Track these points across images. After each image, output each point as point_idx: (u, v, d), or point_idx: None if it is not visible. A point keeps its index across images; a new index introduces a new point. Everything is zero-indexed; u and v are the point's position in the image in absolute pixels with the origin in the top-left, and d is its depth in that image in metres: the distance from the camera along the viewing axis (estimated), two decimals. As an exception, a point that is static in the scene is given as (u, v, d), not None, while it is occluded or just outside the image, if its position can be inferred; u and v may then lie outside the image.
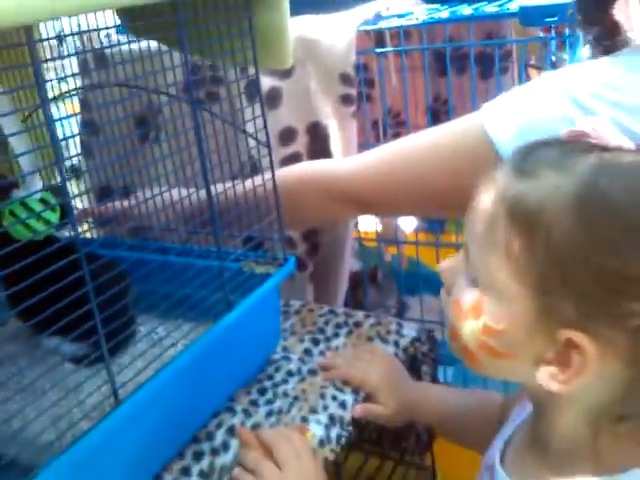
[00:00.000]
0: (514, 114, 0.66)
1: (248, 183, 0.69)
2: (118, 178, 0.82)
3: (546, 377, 0.43)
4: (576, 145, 0.47)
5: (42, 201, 0.56)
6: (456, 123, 0.71)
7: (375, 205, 0.78)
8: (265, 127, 0.65)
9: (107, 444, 0.53)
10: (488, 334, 0.45)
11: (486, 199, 0.48)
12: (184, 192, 0.70)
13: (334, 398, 0.69)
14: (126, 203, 0.78)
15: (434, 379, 0.90)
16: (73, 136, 0.84)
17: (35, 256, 0.49)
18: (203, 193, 0.68)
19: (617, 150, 0.46)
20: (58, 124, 0.54)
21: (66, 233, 0.70)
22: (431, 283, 1.22)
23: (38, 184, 0.55)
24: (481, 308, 0.46)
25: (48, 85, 0.75)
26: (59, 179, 0.44)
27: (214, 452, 0.63)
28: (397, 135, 1.37)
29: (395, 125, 1.43)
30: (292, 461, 0.59)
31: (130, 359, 0.64)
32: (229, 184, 0.68)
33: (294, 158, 0.92)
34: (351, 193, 0.76)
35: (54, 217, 0.57)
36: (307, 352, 0.76)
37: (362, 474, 0.90)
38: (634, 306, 0.40)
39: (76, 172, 0.98)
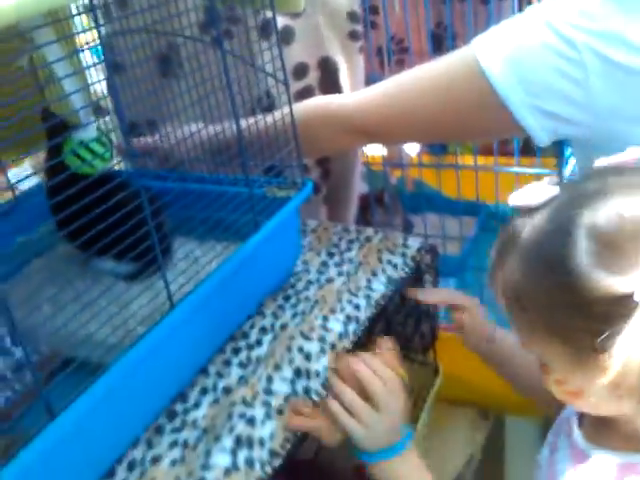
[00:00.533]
0: (502, 45, 0.72)
1: (269, 118, 0.77)
2: (143, 115, 0.91)
3: None
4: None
5: (97, 140, 0.65)
6: (453, 55, 0.78)
7: (381, 135, 0.86)
8: (283, 67, 0.73)
9: (165, 342, 0.64)
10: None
11: None
12: (212, 129, 0.79)
13: (349, 302, 0.80)
14: (157, 138, 0.87)
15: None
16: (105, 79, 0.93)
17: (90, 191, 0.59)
18: (227, 128, 0.78)
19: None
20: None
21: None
22: (434, 202, 1.33)
23: (93, 124, 0.65)
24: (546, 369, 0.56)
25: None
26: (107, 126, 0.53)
27: (249, 347, 0.75)
28: (400, 61, 1.43)
29: (399, 51, 1.48)
30: (388, 404, 0.66)
31: (172, 276, 0.75)
32: (251, 119, 0.77)
33: (307, 91, 1.00)
34: (360, 124, 0.84)
35: (108, 154, 0.66)
36: (324, 264, 0.88)
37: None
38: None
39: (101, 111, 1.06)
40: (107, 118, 0.97)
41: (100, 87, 0.77)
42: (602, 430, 0.62)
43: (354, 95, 0.86)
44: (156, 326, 0.63)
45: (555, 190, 0.55)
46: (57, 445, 0.53)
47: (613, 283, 0.47)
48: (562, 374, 0.55)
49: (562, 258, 0.50)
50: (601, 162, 0.55)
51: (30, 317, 0.56)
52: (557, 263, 0.50)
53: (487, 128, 0.80)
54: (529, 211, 0.55)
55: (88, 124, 0.64)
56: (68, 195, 0.57)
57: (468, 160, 1.22)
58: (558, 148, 0.92)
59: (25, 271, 0.88)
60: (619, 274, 0.47)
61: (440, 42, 1.37)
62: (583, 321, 0.49)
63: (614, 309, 0.47)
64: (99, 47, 0.56)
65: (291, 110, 0.76)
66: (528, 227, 0.53)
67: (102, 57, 0.54)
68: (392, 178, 1.42)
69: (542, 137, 0.75)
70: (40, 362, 0.70)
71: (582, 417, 0.65)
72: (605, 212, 0.49)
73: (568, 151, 0.91)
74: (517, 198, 0.56)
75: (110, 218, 0.61)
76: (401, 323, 1.00)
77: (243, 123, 0.75)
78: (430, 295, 0.90)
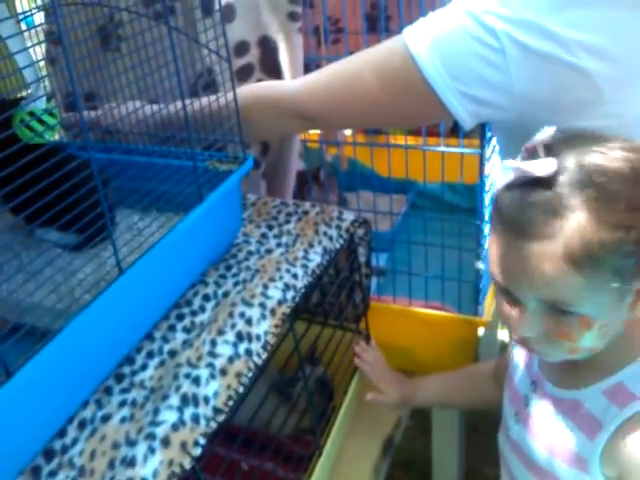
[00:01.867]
0: (430, 33, 0.78)
1: (212, 96, 0.80)
2: (83, 89, 0.92)
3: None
4: None
5: (46, 111, 0.67)
6: (387, 43, 0.83)
7: (323, 121, 0.91)
8: (226, 45, 0.77)
9: (113, 307, 0.67)
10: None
11: None
12: (156, 105, 0.81)
13: (288, 271, 0.85)
14: (100, 113, 0.88)
15: (368, 262, 1.08)
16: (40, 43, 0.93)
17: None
18: (171, 104, 0.80)
19: None
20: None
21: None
22: (366, 180, 1.38)
23: (41, 93, 0.66)
24: (589, 322, 0.62)
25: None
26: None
27: (193, 313, 0.79)
28: (336, 41, 1.47)
29: (335, 31, 1.52)
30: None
31: (117, 247, 0.77)
32: (195, 97, 0.80)
33: (247, 69, 1.03)
34: (299, 110, 0.88)
35: (54, 122, 0.68)
36: (263, 236, 0.92)
37: (306, 339, 1.08)
38: None
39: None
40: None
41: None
42: (571, 371, 0.71)
43: (296, 82, 0.91)
44: (105, 291, 0.65)
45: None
46: (12, 404, 0.55)
47: None
48: (605, 319, 0.63)
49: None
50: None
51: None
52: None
53: (420, 113, 0.86)
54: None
55: (38, 96, 0.65)
56: (15, 167, 0.59)
57: (399, 140, 1.28)
58: (480, 130, 1.00)
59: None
60: None
61: (374, 23, 1.42)
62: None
63: None
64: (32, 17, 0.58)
65: (233, 87, 0.79)
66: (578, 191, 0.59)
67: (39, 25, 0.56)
68: (328, 156, 1.47)
69: (466, 120, 0.81)
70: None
71: (545, 375, 0.75)
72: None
73: (489, 133, 0.99)
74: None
75: (56, 190, 0.63)
76: (335, 294, 1.06)
77: (187, 100, 0.77)
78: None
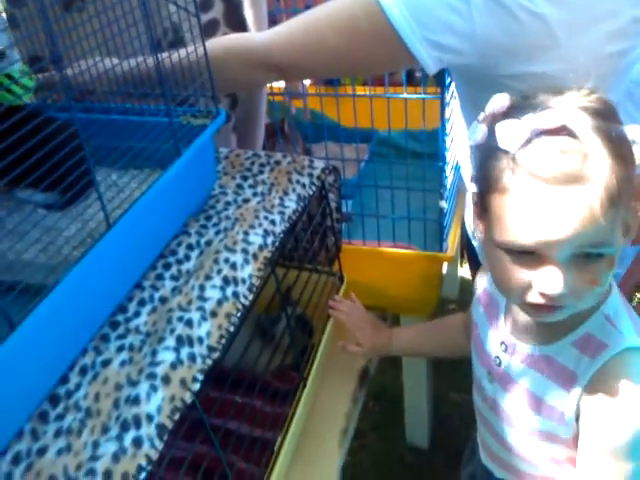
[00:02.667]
0: None
1: (182, 51, 0.82)
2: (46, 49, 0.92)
3: None
4: None
5: (23, 73, 0.68)
6: None
7: (289, 71, 0.93)
8: (194, 0, 0.78)
9: (104, 259, 0.70)
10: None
11: None
12: (127, 63, 0.83)
13: (266, 218, 0.89)
14: (72, 72, 0.89)
15: (339, 208, 1.13)
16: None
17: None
18: (141, 62, 0.82)
19: None
20: None
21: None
22: (330, 131, 1.42)
23: (16, 56, 0.68)
24: (612, 260, 0.65)
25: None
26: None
27: (179, 262, 0.83)
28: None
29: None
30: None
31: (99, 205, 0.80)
32: (165, 54, 0.81)
33: (212, 24, 1.04)
34: (269, 61, 0.91)
35: (31, 84, 0.69)
36: (239, 187, 0.96)
37: (283, 284, 1.13)
38: None
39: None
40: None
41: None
42: (542, 331, 0.75)
43: (265, 34, 0.93)
44: (95, 245, 0.69)
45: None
46: (16, 354, 0.59)
47: None
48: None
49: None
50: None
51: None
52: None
53: (385, 60, 0.89)
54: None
55: (14, 60, 0.67)
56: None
57: (363, 91, 1.32)
58: (440, 76, 1.04)
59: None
60: None
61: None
62: None
63: None
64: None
65: (203, 42, 0.81)
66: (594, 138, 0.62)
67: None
68: (292, 109, 1.50)
69: (430, 66, 0.85)
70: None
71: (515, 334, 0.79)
72: None
73: (448, 79, 1.04)
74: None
75: (37, 152, 0.65)
76: (308, 240, 1.11)
77: (159, 57, 0.79)
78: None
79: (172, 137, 0.80)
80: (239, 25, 1.07)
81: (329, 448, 1.03)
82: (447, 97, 1.06)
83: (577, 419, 0.73)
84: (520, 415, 0.78)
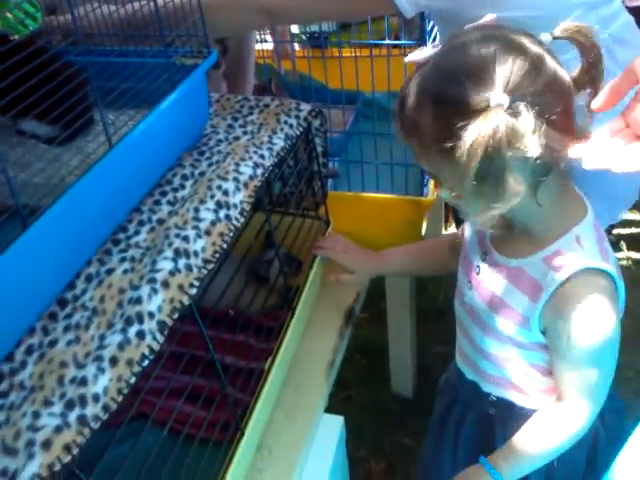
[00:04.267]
0: None
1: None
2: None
3: None
4: None
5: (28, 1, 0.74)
6: None
7: (278, 14, 0.99)
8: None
9: (105, 177, 0.76)
10: None
11: None
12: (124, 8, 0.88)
13: (255, 152, 0.95)
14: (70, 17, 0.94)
15: (325, 152, 1.19)
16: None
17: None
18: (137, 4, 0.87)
19: None
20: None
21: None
22: (320, 94, 1.48)
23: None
24: None
25: None
26: None
27: (174, 190, 0.88)
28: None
29: None
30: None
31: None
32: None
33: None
34: (259, 4, 0.97)
35: (38, 14, 0.75)
36: (230, 126, 1.01)
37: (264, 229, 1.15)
38: None
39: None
40: None
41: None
42: (515, 242, 0.82)
43: None
44: (99, 161, 0.74)
45: (432, 50, 0.73)
46: (27, 251, 0.64)
47: (468, 95, 0.66)
48: (448, 182, 0.75)
49: (441, 89, 0.69)
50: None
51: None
52: (437, 94, 0.70)
53: (366, 5, 0.96)
54: (417, 69, 0.72)
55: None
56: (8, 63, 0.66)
57: (349, 53, 1.38)
58: (420, 26, 1.11)
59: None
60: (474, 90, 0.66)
61: None
62: (448, 128, 0.67)
63: (465, 113, 0.66)
64: None
65: (195, -18, 0.86)
66: (415, 78, 0.73)
67: None
68: (281, 70, 1.55)
69: (407, 9, 0.92)
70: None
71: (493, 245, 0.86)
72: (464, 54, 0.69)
73: (429, 26, 1.10)
74: (410, 57, 0.74)
75: (44, 85, 0.70)
76: (295, 184, 1.17)
77: (151, 5, 0.84)
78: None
79: (167, 72, 0.85)
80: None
81: (316, 378, 1.09)
82: (428, 43, 1.12)
83: (544, 332, 0.81)
84: (491, 318, 0.86)
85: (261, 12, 0.97)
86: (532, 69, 0.66)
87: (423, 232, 1.27)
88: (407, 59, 0.75)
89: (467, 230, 0.95)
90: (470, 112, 0.65)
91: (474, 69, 0.67)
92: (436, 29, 1.15)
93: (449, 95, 0.68)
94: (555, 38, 0.71)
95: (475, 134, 0.64)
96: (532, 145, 0.64)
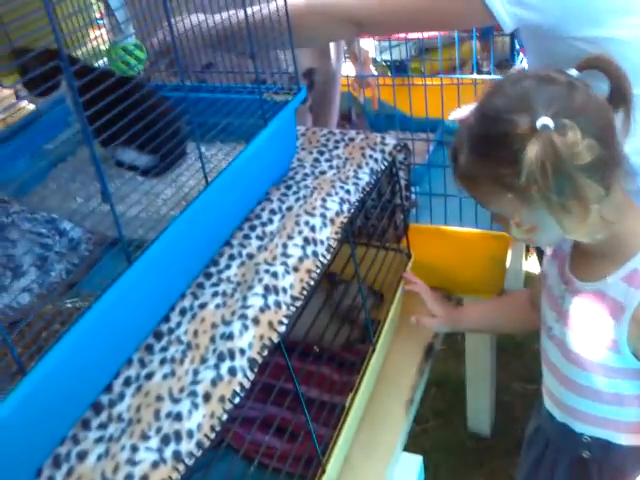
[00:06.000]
0: None
1: (264, 10, 0.87)
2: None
3: None
4: None
5: (136, 46, 0.77)
6: None
7: (369, 25, 1.00)
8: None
9: (201, 215, 0.78)
10: None
11: None
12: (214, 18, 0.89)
13: (342, 187, 0.96)
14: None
15: (408, 185, 1.18)
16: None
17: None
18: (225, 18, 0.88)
19: None
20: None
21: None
22: (403, 123, 1.48)
23: (131, 30, 0.77)
24: None
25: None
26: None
27: (263, 224, 0.89)
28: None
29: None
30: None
31: (190, 173, 0.87)
32: (249, 10, 0.85)
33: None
34: (349, 15, 0.97)
35: (143, 55, 0.78)
36: (316, 160, 1.02)
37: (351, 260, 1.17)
38: None
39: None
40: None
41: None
42: (594, 266, 0.82)
43: None
44: (194, 201, 0.76)
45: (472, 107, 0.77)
46: (134, 287, 0.67)
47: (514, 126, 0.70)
48: (516, 217, 0.75)
49: (485, 131, 0.74)
50: None
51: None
52: (483, 137, 0.74)
53: (462, 16, 0.95)
54: (460, 124, 0.75)
55: (129, 34, 0.76)
56: (113, 99, 0.68)
57: (433, 80, 1.38)
58: (510, 48, 1.09)
59: (52, 173, 1.00)
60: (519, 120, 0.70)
61: None
62: (509, 167, 0.71)
63: (516, 142, 0.70)
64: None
65: (285, 4, 0.86)
66: (465, 129, 0.77)
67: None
68: (360, 98, 1.56)
69: (507, 22, 0.91)
70: (93, 241, 0.83)
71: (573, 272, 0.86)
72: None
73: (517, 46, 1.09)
74: (453, 115, 0.77)
75: (146, 117, 0.74)
76: (378, 217, 1.16)
77: (240, 14, 0.85)
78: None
79: (259, 109, 0.87)
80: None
81: (396, 415, 1.07)
82: (517, 63, 1.10)
83: (636, 355, 0.80)
84: (582, 347, 0.83)
85: (351, 23, 0.98)
86: (567, 94, 0.72)
87: (507, 266, 1.24)
88: (450, 117, 0.79)
89: (547, 264, 0.94)
90: (520, 141, 0.69)
91: (513, 104, 0.72)
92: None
93: (495, 132, 0.72)
94: (580, 70, 0.76)
95: (533, 155, 0.68)
96: (588, 148, 0.68)
